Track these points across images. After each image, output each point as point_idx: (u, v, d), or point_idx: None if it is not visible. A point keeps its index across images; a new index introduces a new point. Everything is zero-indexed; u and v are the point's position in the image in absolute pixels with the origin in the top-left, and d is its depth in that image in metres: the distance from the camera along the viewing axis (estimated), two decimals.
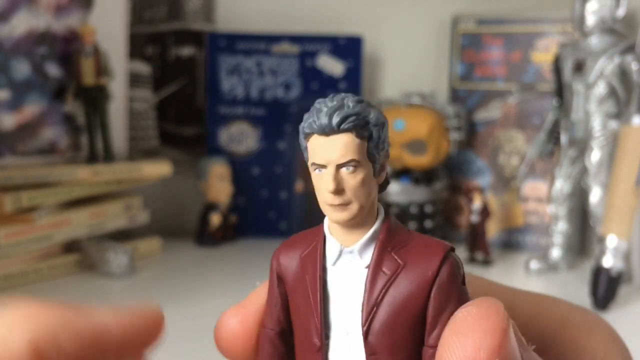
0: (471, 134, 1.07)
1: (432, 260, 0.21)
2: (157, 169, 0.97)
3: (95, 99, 0.92)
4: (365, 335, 0.21)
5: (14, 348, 0.19)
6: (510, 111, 1.05)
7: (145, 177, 0.96)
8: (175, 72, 1.13)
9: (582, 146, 0.91)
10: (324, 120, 0.22)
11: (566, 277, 0.92)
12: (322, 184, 0.22)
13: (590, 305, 0.76)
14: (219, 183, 1.04)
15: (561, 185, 0.94)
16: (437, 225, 1.01)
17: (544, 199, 1.01)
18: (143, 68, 1.10)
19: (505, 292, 0.25)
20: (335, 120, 0.22)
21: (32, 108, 0.89)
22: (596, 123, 0.89)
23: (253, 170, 1.10)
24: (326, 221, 0.23)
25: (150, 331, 0.22)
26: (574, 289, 0.84)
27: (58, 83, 0.91)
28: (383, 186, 0.23)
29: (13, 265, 0.79)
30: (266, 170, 1.09)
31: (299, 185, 1.06)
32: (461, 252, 0.98)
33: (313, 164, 0.22)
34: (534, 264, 0.93)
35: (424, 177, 1.01)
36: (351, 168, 0.22)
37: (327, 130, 0.22)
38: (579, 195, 0.94)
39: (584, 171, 0.91)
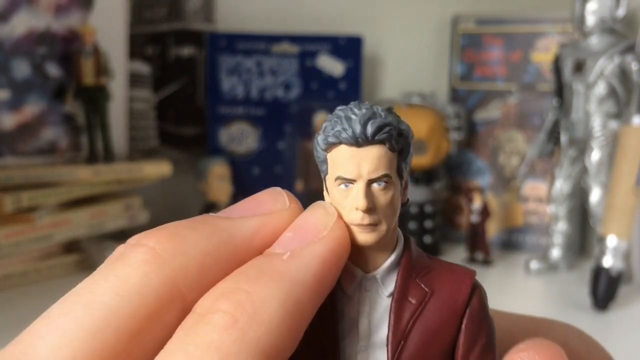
0: (471, 134, 1.07)
1: (462, 288, 0.20)
2: (157, 169, 0.97)
3: (95, 99, 0.92)
4: None
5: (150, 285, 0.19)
6: (510, 111, 1.05)
7: (145, 177, 0.96)
8: (175, 72, 1.13)
9: (582, 146, 0.91)
10: (357, 129, 0.19)
11: (566, 277, 0.92)
12: (349, 202, 0.20)
13: (590, 305, 0.76)
14: (219, 183, 1.04)
15: (561, 185, 0.94)
16: (436, 225, 1.01)
17: (544, 199, 1.01)
18: (143, 68, 1.10)
19: (502, 318, 0.24)
20: (370, 129, 0.19)
21: (32, 108, 0.89)
22: (596, 123, 0.89)
23: (253, 170, 1.10)
24: None
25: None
26: (574, 289, 0.84)
27: (58, 83, 0.91)
28: (403, 206, 0.21)
29: (13, 265, 0.79)
30: (266, 170, 1.09)
31: (299, 185, 1.06)
32: (461, 252, 0.98)
33: (338, 177, 0.20)
34: (534, 264, 0.93)
35: (423, 177, 1.01)
36: (383, 184, 0.20)
37: (360, 141, 0.19)
38: (579, 195, 0.94)
39: (584, 171, 0.91)
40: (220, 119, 1.09)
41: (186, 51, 1.12)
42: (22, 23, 0.86)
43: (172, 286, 0.18)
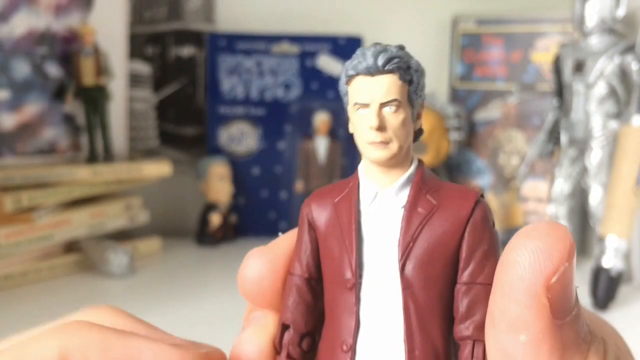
0: (471, 134, 1.07)
1: (466, 202, 0.22)
2: (157, 169, 0.97)
3: (95, 99, 0.92)
4: (402, 269, 0.22)
5: (46, 356, 0.20)
6: (510, 111, 1.05)
7: (145, 177, 0.96)
8: (175, 72, 1.13)
9: (582, 146, 0.91)
10: (370, 60, 0.23)
11: None
12: (365, 122, 0.23)
13: (590, 305, 0.76)
14: (218, 183, 1.04)
15: (561, 185, 0.94)
16: None
17: (544, 199, 1.01)
18: (143, 68, 1.10)
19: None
20: (381, 60, 0.23)
21: (32, 108, 0.89)
22: (596, 123, 0.89)
23: (253, 170, 1.09)
24: (361, 166, 0.24)
25: None
26: None
27: (58, 83, 0.91)
28: (417, 135, 0.24)
29: (13, 265, 0.79)
30: (266, 170, 1.09)
31: (299, 185, 1.06)
32: None
33: (356, 103, 0.23)
34: None
35: None
36: (393, 107, 0.23)
37: (373, 70, 0.23)
38: (579, 195, 0.94)
39: (584, 171, 0.91)
40: (220, 119, 1.09)
41: (186, 51, 1.12)
42: (22, 23, 0.86)
43: None
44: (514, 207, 1.05)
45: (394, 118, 0.23)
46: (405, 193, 0.23)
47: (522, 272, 0.19)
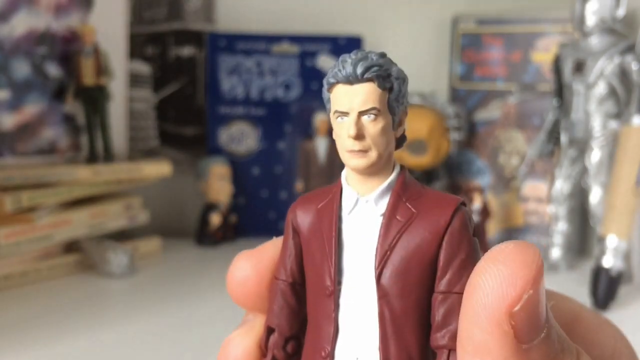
0: (471, 134, 1.07)
1: (445, 210, 0.22)
2: (157, 169, 0.97)
3: (95, 99, 0.92)
4: (378, 277, 0.22)
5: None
6: (510, 111, 1.05)
7: (145, 177, 0.96)
8: (175, 72, 1.13)
9: (582, 146, 0.91)
10: (349, 69, 0.23)
11: (566, 277, 0.92)
12: (344, 131, 0.23)
13: (590, 305, 0.76)
14: (218, 183, 1.04)
15: (561, 185, 0.94)
16: None
17: (544, 199, 1.01)
18: (143, 68, 1.10)
19: (565, 301, 0.25)
20: (360, 69, 0.22)
21: (32, 108, 0.89)
22: (596, 123, 0.89)
23: (253, 170, 1.10)
24: (344, 173, 0.24)
25: None
26: (574, 289, 0.84)
27: (58, 83, 0.91)
28: (400, 142, 0.24)
29: (13, 265, 0.79)
30: (266, 170, 1.09)
31: (299, 185, 1.06)
32: None
33: (336, 111, 0.23)
34: None
35: (424, 177, 1.01)
36: (372, 116, 0.23)
37: (351, 79, 0.23)
38: (579, 195, 0.94)
39: (584, 171, 0.91)
40: (220, 119, 1.09)
41: (186, 51, 1.12)
42: (22, 23, 0.86)
43: None
44: (514, 207, 1.05)
45: (372, 126, 0.23)
46: (385, 201, 0.23)
47: (484, 299, 0.19)
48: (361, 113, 0.23)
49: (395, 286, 0.22)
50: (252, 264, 0.24)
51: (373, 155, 0.23)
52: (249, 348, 0.24)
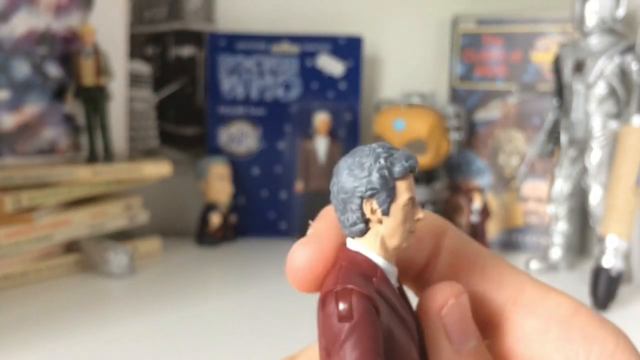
0: (471, 134, 1.07)
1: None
2: (157, 169, 0.97)
3: (95, 99, 0.92)
4: None
5: None
6: (510, 111, 1.05)
7: (145, 177, 0.96)
8: (175, 72, 1.13)
9: (582, 146, 0.91)
10: (412, 161, 0.24)
11: (566, 277, 0.92)
12: (413, 214, 0.24)
13: (591, 305, 0.76)
14: (218, 183, 1.04)
15: (561, 185, 0.94)
16: None
17: (544, 199, 1.01)
18: (143, 68, 1.10)
19: (517, 274, 0.26)
20: (414, 163, 0.24)
21: (32, 108, 0.89)
22: (596, 123, 0.89)
23: (253, 170, 1.10)
24: (373, 255, 0.23)
25: None
26: (574, 289, 0.84)
27: (58, 83, 0.91)
28: None
29: (13, 265, 0.79)
30: (266, 170, 1.09)
31: (298, 185, 1.06)
32: None
33: (411, 198, 0.24)
34: (534, 264, 0.93)
35: (424, 177, 1.01)
36: None
37: (413, 171, 0.25)
38: (579, 195, 0.94)
39: (584, 171, 0.91)
40: (220, 119, 1.09)
41: (186, 51, 1.12)
42: (22, 23, 0.86)
43: None
44: (514, 207, 1.05)
45: None
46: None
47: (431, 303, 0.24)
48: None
49: None
50: (315, 249, 0.23)
51: None
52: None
